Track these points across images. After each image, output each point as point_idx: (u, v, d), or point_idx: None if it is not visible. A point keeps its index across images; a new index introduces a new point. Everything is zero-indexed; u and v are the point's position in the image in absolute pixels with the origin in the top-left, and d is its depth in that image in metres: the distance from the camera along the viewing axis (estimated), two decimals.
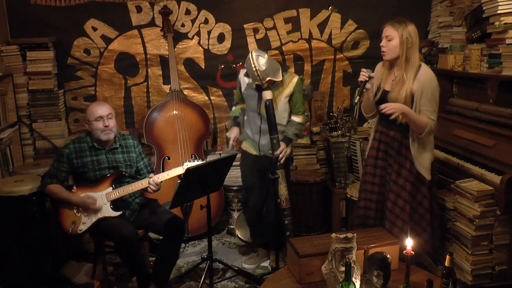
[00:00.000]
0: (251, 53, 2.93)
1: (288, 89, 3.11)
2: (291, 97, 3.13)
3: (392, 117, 2.50)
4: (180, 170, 2.92)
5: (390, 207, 2.70)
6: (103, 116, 2.86)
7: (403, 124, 2.62)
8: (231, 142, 3.27)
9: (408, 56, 2.55)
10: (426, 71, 2.58)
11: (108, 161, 2.94)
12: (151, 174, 2.95)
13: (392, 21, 2.59)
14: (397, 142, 2.68)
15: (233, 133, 3.29)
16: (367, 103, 2.75)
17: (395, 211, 2.68)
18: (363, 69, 2.57)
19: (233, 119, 3.37)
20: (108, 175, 2.90)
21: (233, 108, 3.41)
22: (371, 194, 2.79)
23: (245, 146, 3.34)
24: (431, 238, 2.70)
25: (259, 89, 3.03)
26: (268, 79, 2.96)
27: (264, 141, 3.16)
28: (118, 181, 2.92)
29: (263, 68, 2.90)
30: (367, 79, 2.55)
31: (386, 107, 2.50)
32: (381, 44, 2.62)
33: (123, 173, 2.94)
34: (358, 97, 2.57)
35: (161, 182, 2.93)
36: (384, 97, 2.65)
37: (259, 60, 2.90)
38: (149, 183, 2.87)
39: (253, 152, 3.27)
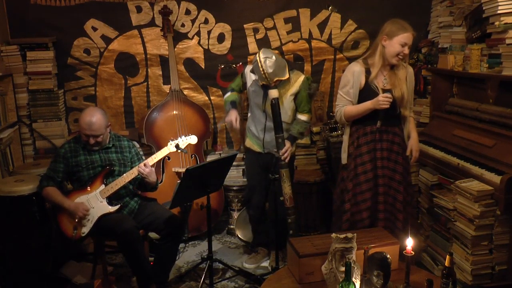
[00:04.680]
0: (259, 55, 2.91)
1: (294, 88, 3.11)
2: (296, 95, 3.13)
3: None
4: (166, 151, 2.97)
5: (391, 202, 2.78)
6: (90, 135, 2.84)
7: (389, 123, 2.75)
8: (234, 123, 3.11)
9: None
10: (410, 67, 2.82)
11: (102, 160, 2.94)
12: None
13: (411, 29, 2.66)
14: (387, 142, 2.77)
15: (233, 114, 3.14)
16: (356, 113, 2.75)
17: (397, 207, 2.76)
18: (387, 95, 2.62)
19: (230, 103, 3.22)
20: (98, 173, 2.90)
21: (228, 94, 3.30)
22: (364, 199, 2.80)
23: (249, 143, 3.33)
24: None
25: (265, 87, 3.03)
26: (275, 79, 2.97)
27: (269, 139, 3.16)
28: (110, 177, 2.92)
29: (270, 70, 2.89)
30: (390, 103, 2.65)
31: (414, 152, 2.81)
32: (403, 51, 2.65)
33: (113, 168, 2.93)
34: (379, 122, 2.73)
35: (152, 164, 2.92)
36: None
37: (267, 63, 2.89)
38: (139, 167, 2.87)
39: (257, 149, 3.27)
